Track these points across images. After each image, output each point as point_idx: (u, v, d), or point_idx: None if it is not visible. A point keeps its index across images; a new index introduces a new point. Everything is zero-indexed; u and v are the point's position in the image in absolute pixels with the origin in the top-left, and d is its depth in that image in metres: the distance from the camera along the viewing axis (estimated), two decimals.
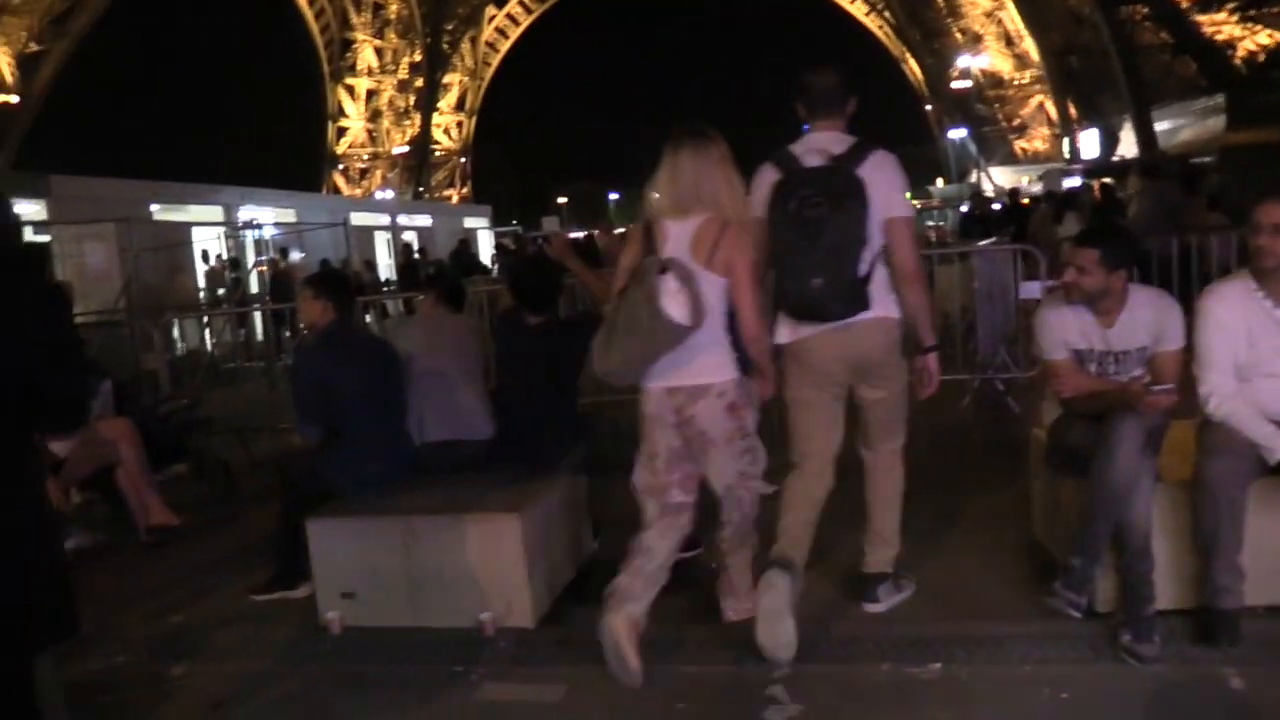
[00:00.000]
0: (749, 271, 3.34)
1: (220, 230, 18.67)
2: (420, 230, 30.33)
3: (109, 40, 53.15)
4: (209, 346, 12.12)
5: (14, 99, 50.20)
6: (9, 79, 50.29)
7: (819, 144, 3.56)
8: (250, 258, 18.32)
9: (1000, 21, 56.88)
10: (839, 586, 4.00)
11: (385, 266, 24.97)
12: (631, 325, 3.23)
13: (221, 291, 17.26)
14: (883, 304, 3.52)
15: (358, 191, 60.64)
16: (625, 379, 3.41)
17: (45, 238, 13.92)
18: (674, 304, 3.17)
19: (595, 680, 3.42)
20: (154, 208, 18.29)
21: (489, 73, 69.69)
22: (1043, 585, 3.55)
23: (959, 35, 58.93)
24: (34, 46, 51.35)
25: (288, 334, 12.69)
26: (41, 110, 52.48)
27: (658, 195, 3.46)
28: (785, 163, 3.56)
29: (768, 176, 3.57)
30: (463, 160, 68.83)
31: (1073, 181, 26.43)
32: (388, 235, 27.83)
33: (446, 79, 66.44)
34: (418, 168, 64.22)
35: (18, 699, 2.25)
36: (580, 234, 18.81)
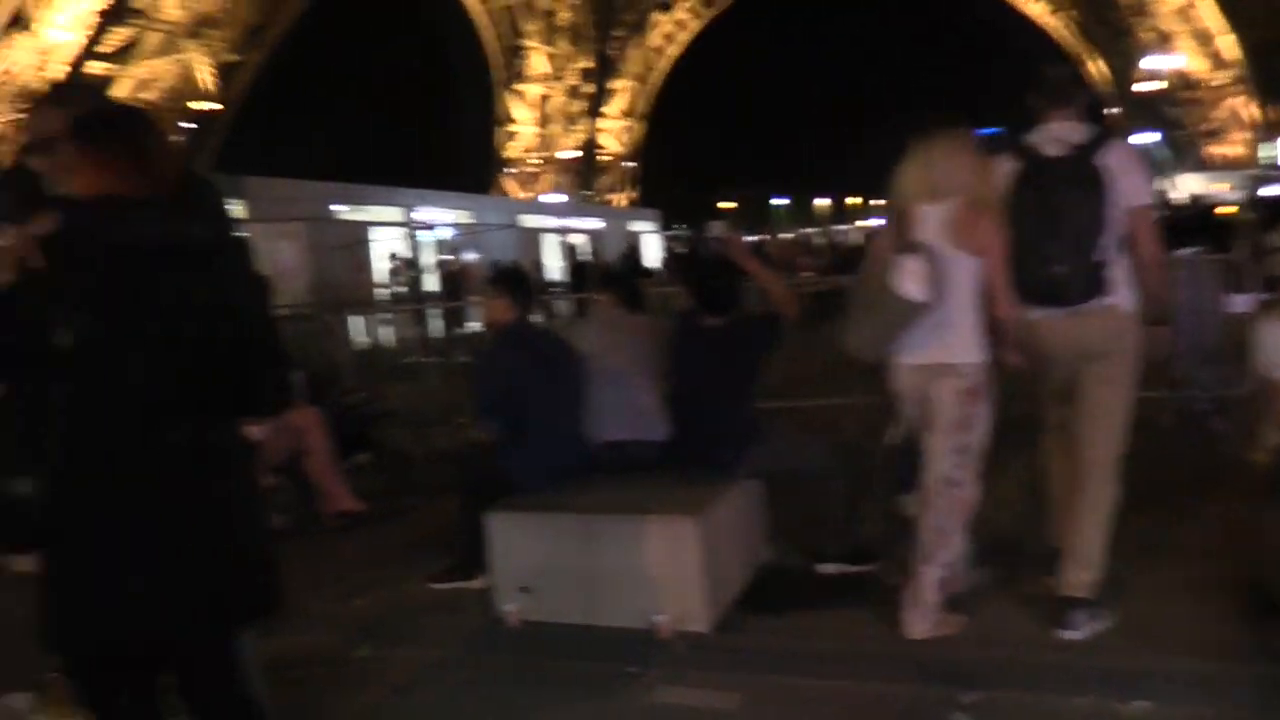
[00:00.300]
0: (1001, 251, 3.46)
1: (399, 230, 19.43)
2: (589, 233, 30.83)
3: (300, 50, 56.26)
4: (388, 342, 12.60)
5: (216, 106, 53.79)
6: (210, 87, 53.89)
7: (1058, 134, 3.58)
8: (426, 257, 19.00)
9: (1193, 19, 53.57)
10: (1030, 607, 3.77)
11: (555, 268, 25.46)
12: (870, 303, 3.51)
13: (400, 288, 17.95)
14: (1119, 293, 3.52)
15: (528, 195, 62.17)
16: (870, 354, 3.64)
17: (244, 235, 14.78)
18: (911, 281, 3.37)
19: (771, 691, 3.35)
20: (338, 208, 19.19)
21: (657, 78, 70.27)
22: (1265, 624, 3.25)
23: (1147, 34, 55.82)
24: (233, 57, 54.90)
25: (462, 330, 13.07)
26: (238, 116, 56.07)
27: (908, 182, 3.61)
28: (1025, 152, 3.61)
29: (1008, 165, 3.62)
30: (630, 164, 69.63)
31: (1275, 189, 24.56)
32: (557, 238, 28.38)
33: (614, 84, 67.36)
34: (585, 172, 65.34)
35: (225, 672, 2.34)
36: (748, 239, 18.67)
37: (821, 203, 70.42)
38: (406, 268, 18.37)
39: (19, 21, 48.69)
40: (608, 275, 9.30)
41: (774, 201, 67.95)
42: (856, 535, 4.36)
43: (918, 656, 3.48)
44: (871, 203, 64.55)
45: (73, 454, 2.01)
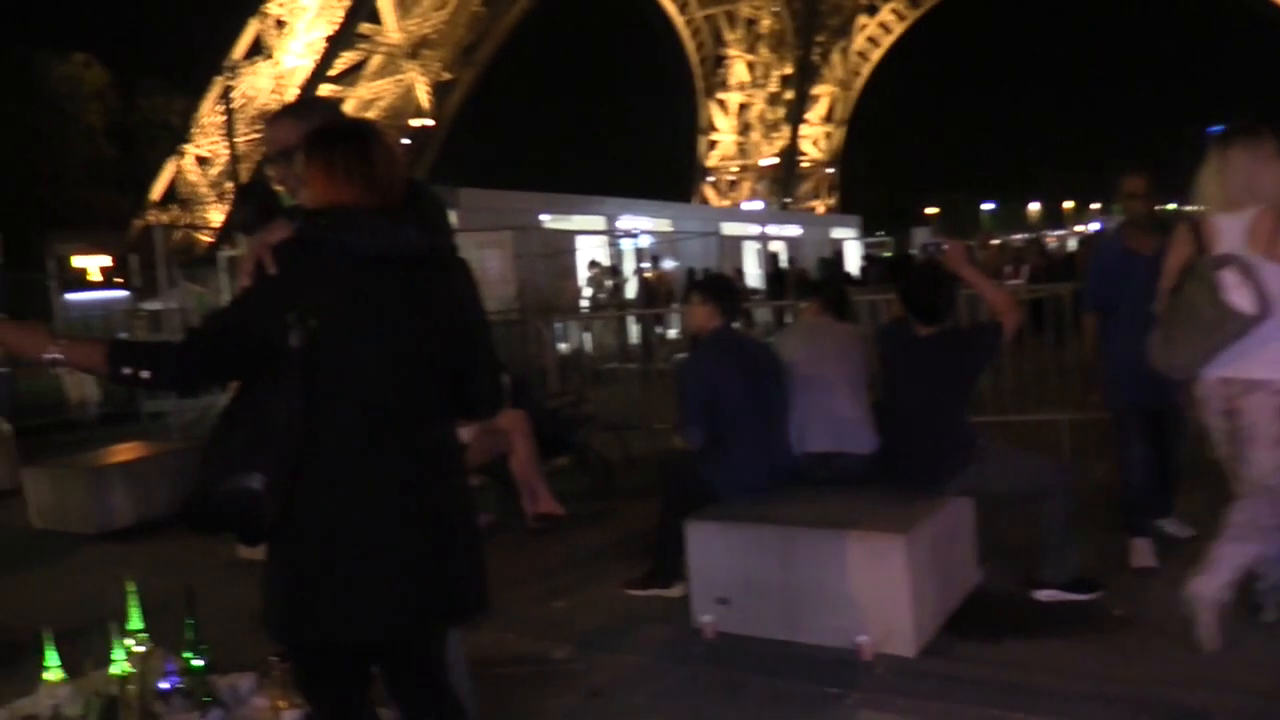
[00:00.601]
0: None
1: (602, 238, 19.81)
2: (788, 240, 30.55)
3: (507, 67, 58.62)
4: (589, 347, 12.85)
5: (431, 122, 56.71)
6: (426, 105, 56.85)
7: None
8: (628, 265, 19.28)
9: None
10: None
11: (753, 276, 25.34)
12: (1193, 320, 3.39)
13: (601, 296, 18.27)
14: None
15: (726, 202, 62.30)
16: (1188, 372, 3.53)
17: (456, 243, 15.43)
18: (1239, 296, 3.27)
19: None
20: (543, 217, 19.76)
21: (859, 82, 69.00)
22: None
23: None
24: (446, 75, 57.74)
25: (661, 337, 13.17)
26: (450, 130, 58.93)
27: (1205, 192, 3.52)
28: None
29: None
30: (830, 171, 68.64)
31: None
32: (756, 245, 28.24)
33: (816, 90, 66.58)
34: (785, 179, 64.87)
35: (433, 667, 2.39)
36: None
37: (1033, 207, 67.23)
38: (608, 274, 18.68)
39: (260, 50, 52.94)
40: (814, 282, 9.12)
41: (982, 206, 65.37)
42: (1076, 561, 4.07)
43: (1146, 697, 3.20)
44: (1091, 206, 61.15)
45: (300, 451, 2.10)
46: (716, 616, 3.99)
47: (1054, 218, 64.98)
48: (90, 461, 7.33)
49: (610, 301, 17.44)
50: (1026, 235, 42.81)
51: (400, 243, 2.18)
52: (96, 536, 6.60)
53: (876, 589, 3.67)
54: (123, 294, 20.79)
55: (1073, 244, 33.55)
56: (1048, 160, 72.88)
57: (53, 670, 2.88)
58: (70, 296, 19.66)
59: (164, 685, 2.94)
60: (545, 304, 13.64)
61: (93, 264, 27.23)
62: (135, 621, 3.01)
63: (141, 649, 2.98)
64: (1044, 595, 4.05)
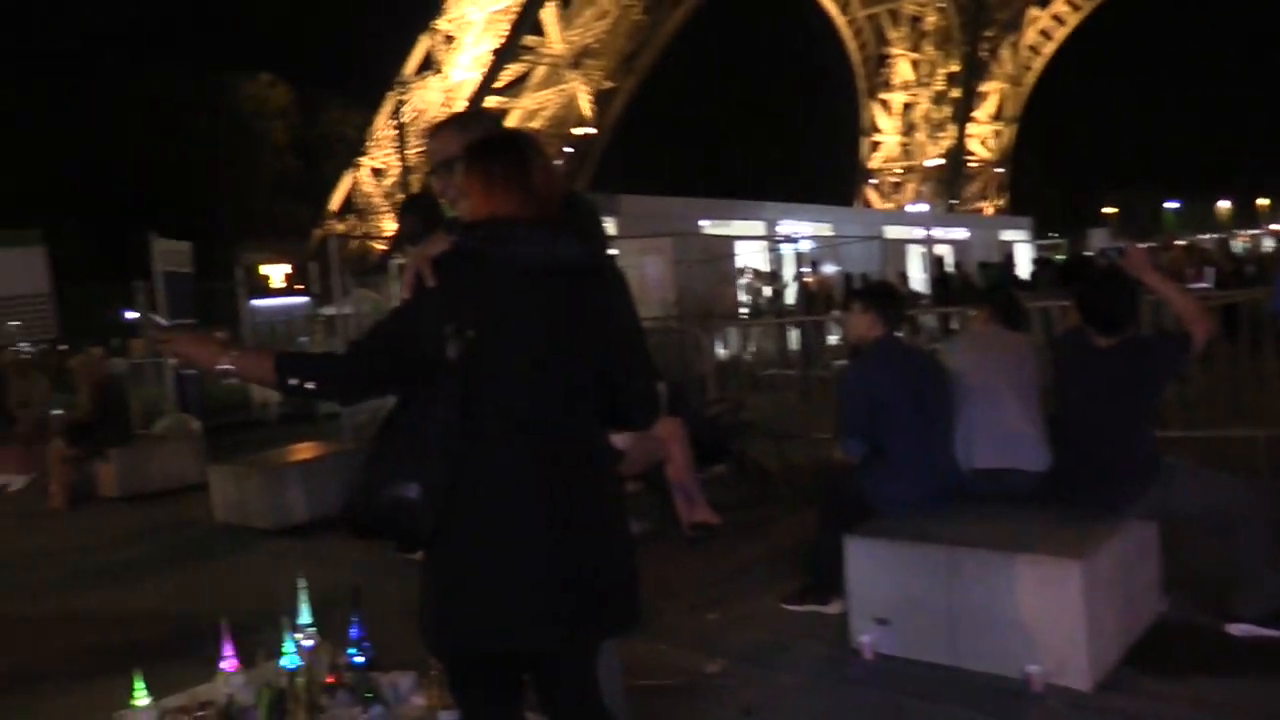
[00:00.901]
0: None
1: (761, 244, 19.68)
2: (955, 244, 29.59)
3: (666, 72, 59.01)
4: (747, 354, 12.74)
5: (593, 130, 57.67)
6: (588, 114, 57.84)
7: None
8: (787, 271, 19.08)
9: None
10: None
11: (918, 280, 24.68)
12: None
13: (760, 301, 18.15)
14: None
15: (890, 205, 60.95)
16: None
17: (616, 250, 15.65)
18: None
19: None
20: (703, 223, 19.77)
21: (1030, 78, 66.29)
22: None
23: None
24: (608, 84, 58.59)
25: (821, 344, 12.93)
26: (611, 138, 59.75)
27: None
28: None
29: None
30: (999, 170, 66.20)
31: None
32: (921, 249, 27.50)
33: (984, 87, 64.36)
34: (951, 180, 62.97)
35: (585, 681, 2.37)
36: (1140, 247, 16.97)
37: (1223, 205, 63.00)
38: (766, 279, 18.52)
39: (429, 65, 55.04)
40: (982, 288, 8.75)
41: (1165, 204, 61.74)
42: (1276, 593, 3.74)
43: None
44: None
45: (456, 462, 2.12)
46: (875, 637, 3.84)
47: (1247, 216, 60.68)
48: (269, 460, 7.72)
49: (770, 308, 17.28)
50: (1215, 235, 40.07)
51: (557, 253, 2.18)
52: (273, 531, 6.94)
53: (1049, 616, 3.46)
54: (303, 300, 21.95)
55: (1269, 244, 31.24)
56: (1239, 154, 68.13)
57: (228, 660, 3.01)
58: (254, 303, 20.87)
59: (329, 680, 3.03)
60: (704, 310, 13.62)
61: (276, 272, 28.89)
62: (305, 616, 3.12)
63: (310, 643, 3.08)
64: (1238, 630, 3.73)
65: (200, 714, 2.89)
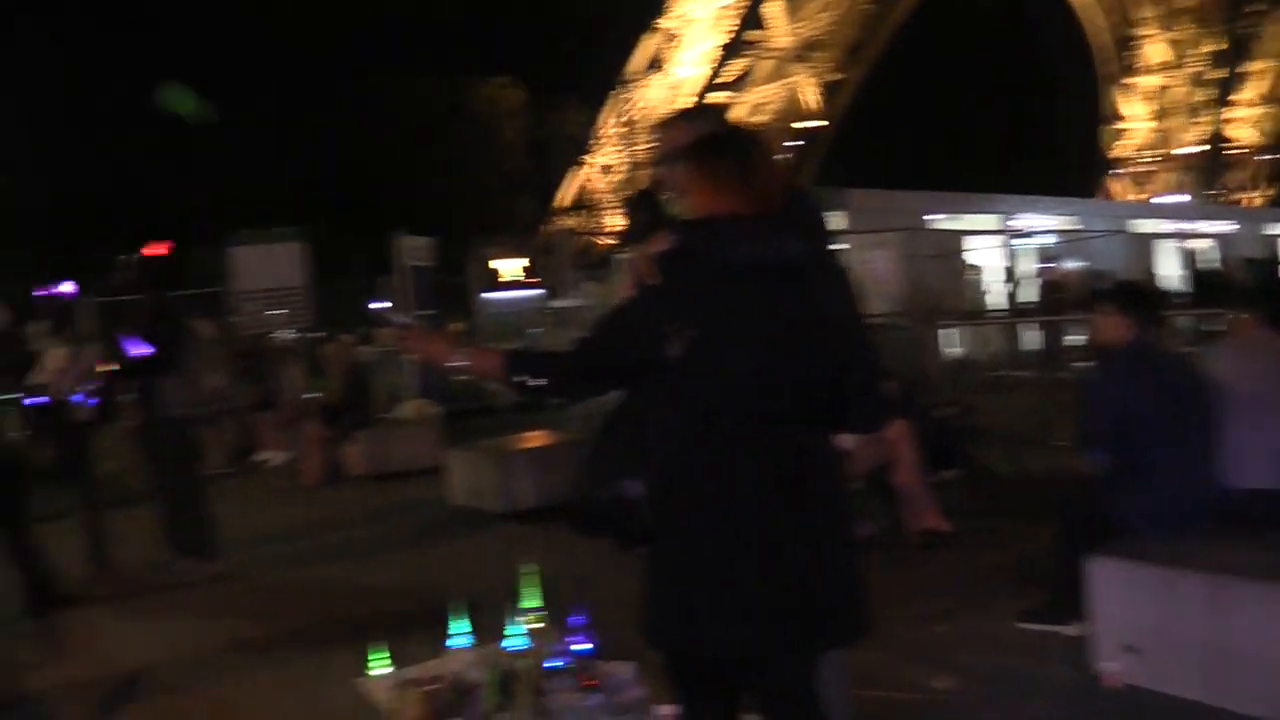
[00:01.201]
0: None
1: (996, 239, 18.82)
2: (1214, 238, 27.22)
3: (898, 63, 57.28)
4: (979, 354, 12.21)
5: (822, 123, 56.94)
6: (815, 106, 57.12)
7: None
8: (1023, 266, 18.16)
9: None
10: None
11: (1170, 278, 22.91)
12: None
13: (993, 298, 17.36)
14: None
15: (1141, 196, 56.85)
16: None
17: (843, 246, 15.33)
18: None
19: None
20: (935, 217, 19.08)
21: None
22: None
23: None
24: (836, 75, 57.64)
25: (1062, 344, 12.20)
26: (839, 130, 58.74)
27: None
28: None
29: None
30: (1267, 157, 60.42)
31: None
32: (1174, 244, 25.50)
33: (1249, 67, 58.86)
34: (1210, 168, 58.03)
35: (806, 692, 2.30)
36: None
37: None
38: (1004, 277, 17.63)
39: (655, 64, 55.99)
40: (1251, 290, 7.95)
41: None
42: None
43: None
44: None
45: (679, 459, 2.10)
46: (1122, 665, 3.56)
47: None
48: (502, 446, 8.04)
49: (1006, 305, 16.48)
50: None
51: (779, 252, 2.14)
52: (504, 515, 7.22)
53: None
54: (534, 293, 22.79)
55: None
56: None
57: (459, 638, 3.13)
58: (486, 296, 21.85)
59: (553, 664, 3.09)
60: (933, 307, 13.15)
61: (507, 266, 30.18)
62: (533, 600, 3.20)
63: (537, 626, 3.16)
64: None
65: (431, 687, 3.01)
